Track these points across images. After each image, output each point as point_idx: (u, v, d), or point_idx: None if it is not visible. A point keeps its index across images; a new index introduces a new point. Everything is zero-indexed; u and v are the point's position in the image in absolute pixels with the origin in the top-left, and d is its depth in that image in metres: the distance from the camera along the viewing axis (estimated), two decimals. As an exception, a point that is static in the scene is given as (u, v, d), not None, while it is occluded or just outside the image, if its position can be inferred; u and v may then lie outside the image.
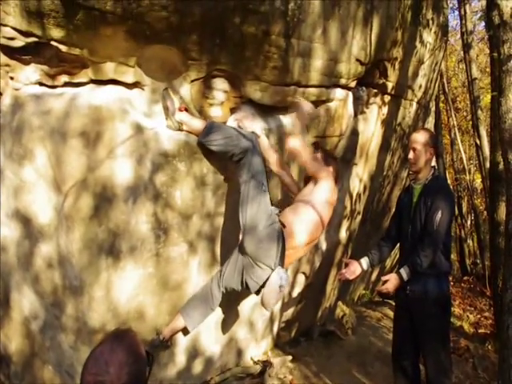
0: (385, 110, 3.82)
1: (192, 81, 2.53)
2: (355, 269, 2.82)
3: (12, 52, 2.27)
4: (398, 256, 3.10)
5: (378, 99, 3.71)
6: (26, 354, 2.73)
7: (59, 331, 2.49)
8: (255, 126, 2.74)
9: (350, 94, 3.29)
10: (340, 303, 4.24)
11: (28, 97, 2.35)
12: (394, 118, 4.10)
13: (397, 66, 3.62)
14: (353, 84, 3.23)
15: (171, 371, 2.77)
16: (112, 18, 2.14)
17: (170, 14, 2.19)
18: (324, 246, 3.76)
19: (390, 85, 3.73)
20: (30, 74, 2.34)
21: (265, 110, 2.85)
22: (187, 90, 2.54)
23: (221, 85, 2.62)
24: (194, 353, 2.89)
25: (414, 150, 2.72)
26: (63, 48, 2.24)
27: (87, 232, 2.30)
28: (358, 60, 3.08)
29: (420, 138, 2.73)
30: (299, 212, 2.55)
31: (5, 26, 2.17)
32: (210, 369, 3.05)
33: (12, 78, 2.35)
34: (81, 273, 2.33)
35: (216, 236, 2.78)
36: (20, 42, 2.21)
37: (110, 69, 2.36)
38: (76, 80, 2.40)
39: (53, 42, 2.22)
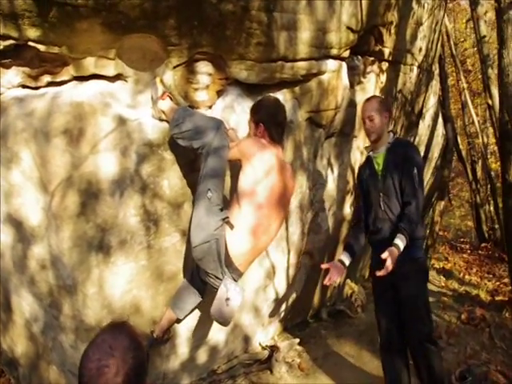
0: (383, 77, 3.78)
1: (174, 67, 2.54)
2: (339, 270, 2.72)
3: (-7, 56, 2.30)
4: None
5: (375, 67, 3.66)
6: (31, 356, 2.83)
7: (59, 331, 2.59)
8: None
9: (344, 64, 3.26)
10: (348, 281, 4.28)
11: (11, 100, 2.40)
12: (394, 85, 4.05)
13: (393, 31, 3.56)
14: (346, 54, 3.20)
15: (174, 363, 2.86)
16: (85, 11, 2.15)
17: (143, 0, 2.18)
18: (328, 223, 3.78)
19: (386, 51, 3.68)
20: (11, 78, 2.39)
21: (253, 90, 2.84)
22: (170, 76, 2.55)
23: (204, 68, 2.62)
24: (197, 342, 2.97)
25: (370, 118, 2.68)
26: (42, 48, 2.28)
27: (76, 230, 2.36)
28: (348, 28, 3.04)
29: (372, 105, 2.70)
30: (238, 216, 2.36)
31: None
32: (216, 357, 3.14)
33: (-5, 83, 2.38)
34: (72, 271, 2.40)
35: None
36: (-2, 46, 2.23)
37: (90, 64, 2.39)
38: (58, 79, 2.45)
39: (31, 43, 2.25)
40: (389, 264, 2.34)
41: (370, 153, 2.79)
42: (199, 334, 2.98)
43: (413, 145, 2.90)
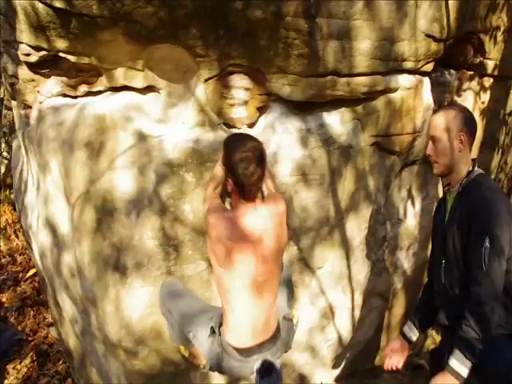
0: (485, 96, 2.85)
1: (206, 80, 2.22)
2: (402, 350, 2.00)
3: (33, 67, 2.33)
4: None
5: (473, 83, 2.78)
6: (79, 353, 2.85)
7: (93, 339, 2.51)
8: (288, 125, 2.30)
9: (426, 80, 2.52)
10: (432, 332, 3.43)
11: (48, 109, 2.39)
12: (501, 106, 3.05)
13: (500, 38, 2.65)
14: (428, 67, 2.46)
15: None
16: (102, 21, 2.01)
17: (156, 8, 1.94)
18: (406, 263, 3.05)
19: (490, 64, 2.76)
20: (51, 87, 2.38)
21: (303, 108, 2.37)
22: (202, 90, 2.25)
23: (240, 82, 2.25)
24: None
25: (433, 139, 1.80)
26: (72, 58, 2.22)
27: (93, 246, 2.22)
28: (429, 36, 2.32)
29: (438, 120, 1.79)
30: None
31: (21, 42, 2.24)
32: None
33: (38, 92, 2.42)
34: (92, 286, 2.28)
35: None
36: (35, 56, 2.26)
37: (120, 75, 2.25)
38: (94, 89, 2.36)
39: (61, 54, 2.20)
40: None
41: (445, 189, 1.91)
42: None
43: (491, 190, 1.71)
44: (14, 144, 3.03)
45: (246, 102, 2.30)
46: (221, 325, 1.86)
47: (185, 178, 2.21)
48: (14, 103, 2.78)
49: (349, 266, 2.66)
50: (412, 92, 2.45)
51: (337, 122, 2.41)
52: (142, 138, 2.20)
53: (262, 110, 2.35)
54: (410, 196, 2.88)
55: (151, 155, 2.20)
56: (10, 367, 3.13)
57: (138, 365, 2.30)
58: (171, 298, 2.07)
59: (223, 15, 2.00)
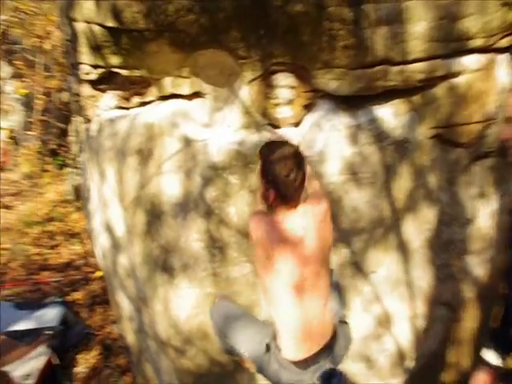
0: None
1: (249, 81, 2.17)
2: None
3: (93, 84, 2.47)
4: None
5: None
6: (136, 349, 2.93)
7: (146, 336, 2.56)
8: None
9: (501, 57, 2.21)
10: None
11: (106, 121, 2.50)
12: None
13: None
14: (504, 42, 2.14)
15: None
16: (149, 34, 2.07)
17: (197, 15, 1.94)
18: (479, 270, 2.74)
19: None
20: (108, 101, 2.50)
21: (351, 102, 2.22)
22: (246, 92, 2.20)
23: (284, 80, 2.17)
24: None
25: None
26: (125, 72, 2.31)
27: (144, 247, 2.28)
28: (506, 4, 2.03)
29: None
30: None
31: (81, 63, 2.39)
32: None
33: (97, 107, 2.54)
34: (143, 286, 2.33)
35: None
36: (93, 74, 2.39)
37: (168, 84, 2.30)
38: (146, 99, 2.42)
39: (115, 69, 2.31)
40: None
41: None
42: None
43: None
44: (83, 156, 3.21)
45: (291, 101, 2.21)
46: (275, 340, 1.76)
47: (229, 180, 2.18)
48: (80, 119, 2.95)
49: (407, 271, 2.44)
50: (482, 74, 2.18)
51: (390, 115, 2.23)
52: (187, 142, 2.21)
53: (307, 108, 2.24)
54: (482, 194, 2.58)
55: (196, 159, 2.19)
56: (79, 357, 3.39)
57: (186, 363, 2.31)
58: (224, 320, 2.00)
59: (263, 14, 1.94)
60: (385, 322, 2.52)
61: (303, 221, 1.68)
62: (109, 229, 2.54)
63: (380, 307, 2.47)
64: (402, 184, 2.25)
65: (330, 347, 1.75)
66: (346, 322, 1.90)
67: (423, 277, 2.50)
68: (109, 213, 2.50)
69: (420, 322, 2.60)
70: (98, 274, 3.92)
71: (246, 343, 1.88)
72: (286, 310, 1.69)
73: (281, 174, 1.63)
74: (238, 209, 2.18)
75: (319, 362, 1.71)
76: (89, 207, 2.92)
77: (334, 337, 1.77)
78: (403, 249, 2.30)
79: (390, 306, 2.49)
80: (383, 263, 2.26)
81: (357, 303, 2.29)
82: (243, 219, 2.18)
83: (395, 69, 2.08)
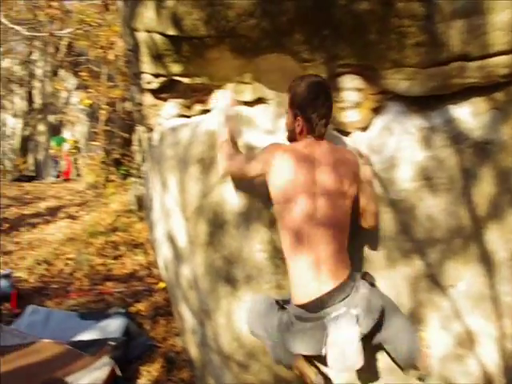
0: None
1: (314, 85, 2.24)
2: None
3: (155, 93, 2.65)
4: None
5: None
6: (199, 363, 3.06)
7: (209, 350, 2.68)
8: None
9: None
10: None
11: (167, 130, 2.66)
12: None
13: None
14: None
15: None
16: (210, 40, 2.19)
17: (258, 19, 2.04)
18: None
19: None
20: (170, 109, 2.66)
21: (424, 103, 2.20)
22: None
23: (350, 83, 2.20)
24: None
25: None
26: (186, 80, 2.46)
27: (207, 258, 2.39)
28: None
29: None
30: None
31: (143, 72, 2.57)
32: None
33: (159, 116, 2.73)
34: (206, 298, 2.44)
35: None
36: (155, 83, 2.56)
37: (229, 90, 2.40)
38: (207, 107, 2.56)
39: (177, 78, 2.47)
40: None
41: None
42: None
43: None
44: (145, 166, 3.44)
45: (358, 104, 2.23)
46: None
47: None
48: (141, 128, 3.18)
49: (491, 286, 2.34)
50: None
51: (468, 114, 2.17)
52: (250, 150, 2.30)
53: (376, 111, 2.25)
54: None
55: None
56: (142, 369, 3.57)
57: (250, 379, 2.38)
58: (251, 319, 2.17)
59: (327, 14, 1.99)
60: (467, 341, 2.43)
61: (324, 153, 1.93)
62: (171, 239, 2.70)
63: (461, 325, 2.39)
64: (484, 189, 2.18)
65: (344, 289, 1.83)
66: (374, 285, 1.96)
67: (510, 292, 2.40)
68: (171, 223, 2.65)
69: (509, 343, 2.49)
70: (161, 285, 4.16)
71: (264, 323, 2.06)
72: (294, 244, 1.86)
73: (308, 97, 1.93)
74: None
75: (333, 304, 1.81)
76: (151, 217, 3.12)
77: (349, 284, 1.85)
78: (486, 261, 2.22)
79: (472, 324, 2.39)
80: (463, 276, 2.20)
81: (434, 320, 2.24)
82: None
83: (474, 64, 2.04)
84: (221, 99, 2.40)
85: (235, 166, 2.11)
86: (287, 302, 2.01)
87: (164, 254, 2.83)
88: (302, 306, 1.87)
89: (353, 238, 2.06)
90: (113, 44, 7.20)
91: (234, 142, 2.23)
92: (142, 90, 2.74)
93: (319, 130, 1.96)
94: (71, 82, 15.10)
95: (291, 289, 1.93)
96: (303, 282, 1.86)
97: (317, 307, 1.83)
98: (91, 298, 4.55)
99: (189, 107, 2.61)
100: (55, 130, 15.39)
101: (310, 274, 1.84)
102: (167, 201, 2.65)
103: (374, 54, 2.08)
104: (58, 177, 13.08)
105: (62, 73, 15.19)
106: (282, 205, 1.90)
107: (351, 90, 2.21)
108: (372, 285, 1.94)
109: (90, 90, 7.92)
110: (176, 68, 2.39)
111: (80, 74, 9.47)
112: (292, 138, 2.07)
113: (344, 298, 1.83)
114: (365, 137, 2.25)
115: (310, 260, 1.84)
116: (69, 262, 5.56)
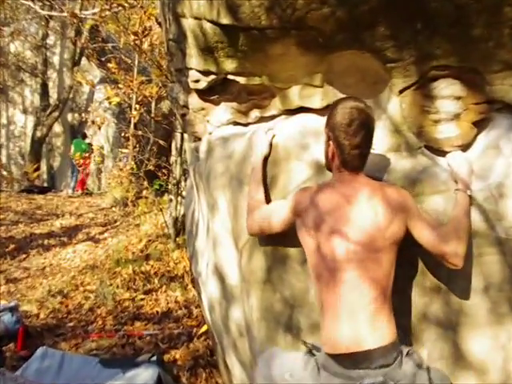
0: None
1: (400, 91, 2.29)
2: None
3: (203, 94, 2.78)
4: None
5: None
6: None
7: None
8: None
9: None
10: None
11: (217, 140, 2.78)
12: None
13: None
14: None
15: None
16: (273, 32, 2.28)
17: (333, 8, 2.11)
18: None
19: None
20: (221, 115, 2.78)
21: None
22: (396, 104, 2.32)
23: (448, 89, 2.22)
24: None
25: None
26: (242, 80, 2.58)
27: (263, 299, 2.46)
28: None
29: None
30: None
31: (190, 69, 2.71)
32: None
33: (208, 122, 2.86)
34: (261, 348, 2.50)
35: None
36: (203, 82, 2.69)
37: (295, 94, 2.52)
38: (267, 113, 2.68)
39: (230, 76, 2.59)
40: None
41: None
42: None
43: None
44: (188, 182, 3.58)
45: (457, 116, 2.26)
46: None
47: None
48: (185, 137, 3.32)
49: None
50: None
51: None
52: (319, 168, 2.38)
53: (480, 125, 2.28)
54: None
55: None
56: None
57: None
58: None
59: (419, 3, 2.04)
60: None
61: (363, 194, 2.04)
62: (219, 274, 2.80)
63: None
64: None
65: (385, 356, 1.91)
66: (421, 367, 1.98)
67: None
68: (220, 253, 2.76)
69: None
70: (203, 328, 4.22)
71: (287, 365, 2.19)
72: (323, 288, 2.03)
73: (342, 123, 2.06)
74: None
75: (369, 366, 1.89)
76: (195, 245, 3.24)
77: (392, 353, 1.93)
78: None
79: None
80: None
81: None
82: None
83: None
84: (261, 134, 2.54)
85: (257, 223, 2.35)
86: (317, 348, 2.11)
87: (209, 291, 2.94)
88: (333, 357, 1.97)
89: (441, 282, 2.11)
90: (148, 30, 7.36)
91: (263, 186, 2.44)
92: (188, 90, 2.88)
93: (352, 162, 2.11)
94: (95, 74, 15.69)
95: (323, 332, 2.06)
96: (333, 329, 1.99)
97: (349, 362, 1.93)
98: (116, 341, 4.67)
99: (244, 113, 2.72)
100: (75, 133, 16.00)
101: (346, 324, 1.96)
102: (216, 226, 2.76)
103: (478, 53, 2.12)
104: (78, 190, 13.57)
105: (84, 62, 15.82)
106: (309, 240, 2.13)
107: (448, 98, 2.24)
108: (419, 366, 1.97)
109: (118, 86, 8.17)
110: (230, 64, 2.50)
111: (107, 65, 9.80)
112: (328, 166, 2.25)
113: (384, 366, 1.90)
114: (465, 157, 2.27)
115: (340, 300, 1.99)
116: (89, 294, 5.74)
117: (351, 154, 2.08)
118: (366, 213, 2.02)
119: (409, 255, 2.15)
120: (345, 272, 1.99)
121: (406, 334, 2.20)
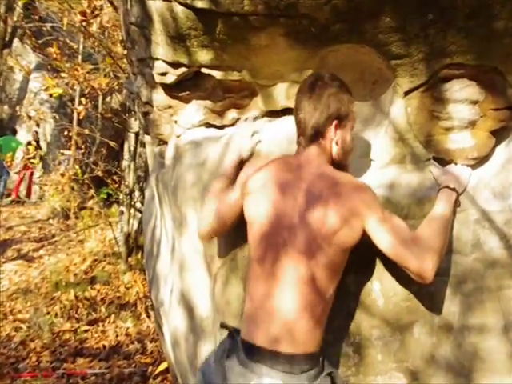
0: None
1: (406, 93, 2.30)
2: None
3: (170, 90, 2.75)
4: None
5: None
6: None
7: None
8: None
9: None
10: None
11: (187, 145, 2.76)
12: None
13: None
14: None
15: None
16: (257, 20, 2.25)
17: (329, -7, 2.11)
18: None
19: None
20: (191, 115, 2.76)
21: None
22: (401, 108, 2.33)
23: (463, 92, 2.24)
24: None
25: None
26: (218, 74, 2.56)
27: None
28: None
29: None
30: None
31: (156, 59, 2.67)
32: None
33: (176, 123, 2.82)
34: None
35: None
36: (172, 76, 2.67)
37: (280, 93, 2.52)
38: (246, 114, 2.68)
39: (204, 69, 2.57)
40: None
41: None
42: None
43: None
44: (147, 192, 3.52)
45: (472, 124, 2.27)
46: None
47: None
48: (147, 139, 3.26)
49: None
50: None
51: None
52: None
53: (499, 135, 2.30)
54: None
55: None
56: None
57: None
58: None
59: (431, -9, 2.06)
60: None
61: (298, 182, 2.11)
62: (186, 303, 2.77)
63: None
64: None
65: (293, 364, 2.00)
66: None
67: None
68: (188, 279, 2.73)
69: None
70: (161, 367, 4.15)
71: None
72: (253, 287, 2.13)
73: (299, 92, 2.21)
74: (386, 286, 2.26)
75: (273, 367, 1.98)
76: (156, 268, 3.19)
77: (303, 365, 2.01)
78: None
79: None
80: None
81: None
82: (394, 303, 2.26)
83: None
84: (245, 136, 2.54)
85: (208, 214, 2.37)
86: (238, 331, 2.20)
87: (173, 323, 2.90)
88: (243, 343, 2.10)
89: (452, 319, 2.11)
90: (99, 10, 7.23)
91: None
92: (152, 84, 2.85)
93: (299, 143, 2.22)
94: (30, 59, 15.45)
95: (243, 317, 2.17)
96: (256, 319, 2.09)
97: (254, 355, 2.04)
98: (54, 382, 4.58)
99: (220, 114, 2.71)
100: (3, 128, 15.69)
101: (265, 315, 2.06)
102: (183, 246, 2.74)
103: (500, 50, 2.14)
104: (6, 196, 13.28)
105: (16, 44, 15.51)
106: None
107: (463, 102, 2.25)
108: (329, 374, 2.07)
109: (60, 74, 8.02)
110: (204, 56, 2.47)
111: (45, 49, 9.63)
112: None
113: (288, 373, 1.99)
114: (481, 171, 2.28)
115: (262, 298, 2.09)
116: (21, 325, 5.63)
117: (298, 133, 2.24)
118: (315, 209, 2.07)
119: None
120: (282, 269, 2.05)
121: (410, 378, 2.21)
